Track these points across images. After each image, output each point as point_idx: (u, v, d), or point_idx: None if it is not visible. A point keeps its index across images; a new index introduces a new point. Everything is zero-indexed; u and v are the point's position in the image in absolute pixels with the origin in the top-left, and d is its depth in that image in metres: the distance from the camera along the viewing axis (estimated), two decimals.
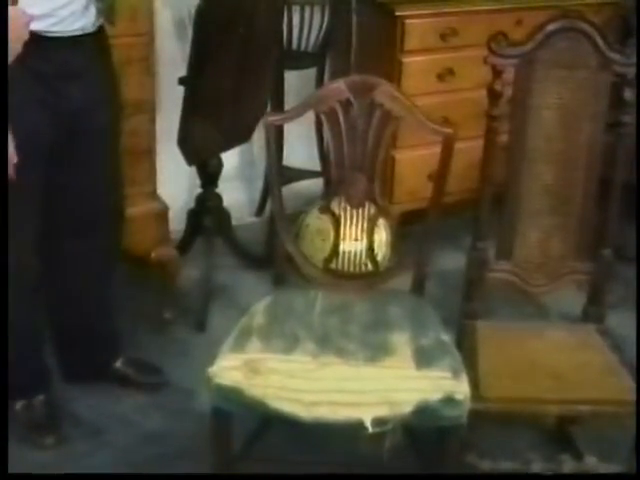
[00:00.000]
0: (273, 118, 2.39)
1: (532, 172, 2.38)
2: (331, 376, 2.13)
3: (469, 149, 2.57)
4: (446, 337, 2.28)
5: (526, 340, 2.40)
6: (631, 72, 2.30)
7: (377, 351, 2.19)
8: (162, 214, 3.15)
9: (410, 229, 2.88)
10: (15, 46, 2.06)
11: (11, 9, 2.08)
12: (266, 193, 3.66)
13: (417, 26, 3.35)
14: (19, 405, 2.61)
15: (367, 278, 2.51)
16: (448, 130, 2.36)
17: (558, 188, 2.40)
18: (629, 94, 2.32)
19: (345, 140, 2.38)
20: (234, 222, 3.47)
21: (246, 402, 2.09)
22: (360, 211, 2.45)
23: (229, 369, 2.12)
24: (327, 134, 2.41)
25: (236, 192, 3.70)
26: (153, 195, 3.13)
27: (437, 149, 2.37)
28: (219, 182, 3.31)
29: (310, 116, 2.54)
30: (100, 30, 2.39)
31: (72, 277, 2.66)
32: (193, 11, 2.78)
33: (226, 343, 2.21)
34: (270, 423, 2.47)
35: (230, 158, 3.43)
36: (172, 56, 3.10)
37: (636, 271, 3.28)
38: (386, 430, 2.07)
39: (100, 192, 2.56)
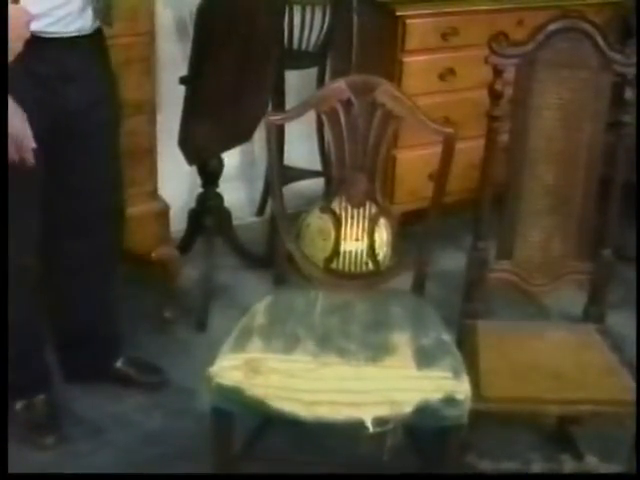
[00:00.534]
0: (274, 118, 2.39)
1: (533, 172, 2.38)
2: (332, 376, 2.13)
3: (470, 149, 2.57)
4: (447, 337, 2.28)
5: (526, 340, 2.40)
6: (631, 72, 2.30)
7: (378, 351, 2.19)
8: (163, 214, 3.16)
9: (411, 229, 2.87)
10: (16, 44, 2.06)
11: (12, 7, 2.08)
12: (267, 193, 3.66)
13: (418, 26, 3.35)
14: (19, 405, 2.61)
15: (368, 278, 2.52)
16: (449, 130, 2.37)
17: (558, 188, 2.40)
18: (630, 94, 2.33)
19: (346, 140, 2.38)
20: (235, 222, 3.48)
21: (247, 402, 2.09)
22: (361, 211, 2.45)
23: (230, 369, 2.12)
24: (328, 134, 2.41)
25: (237, 192, 3.71)
26: (154, 195, 3.14)
27: (438, 149, 2.37)
28: (220, 182, 3.31)
29: (311, 116, 2.54)
30: (97, 32, 2.39)
31: (73, 277, 2.66)
32: (194, 10, 2.79)
33: (227, 343, 2.21)
34: (271, 423, 2.47)
35: (231, 158, 3.43)
36: (172, 56, 3.10)
37: (636, 271, 3.28)
38: (387, 430, 2.08)
39: (100, 192, 2.56)
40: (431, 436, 2.29)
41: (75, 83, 2.35)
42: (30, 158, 2.21)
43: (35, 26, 2.17)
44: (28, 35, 2.11)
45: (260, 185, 3.77)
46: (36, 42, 2.17)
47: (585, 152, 2.37)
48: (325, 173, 3.51)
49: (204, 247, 3.31)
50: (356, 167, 2.41)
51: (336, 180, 2.44)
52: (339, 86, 2.37)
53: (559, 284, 2.47)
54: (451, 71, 3.43)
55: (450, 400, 2.07)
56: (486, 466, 2.23)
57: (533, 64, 2.30)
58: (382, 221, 2.52)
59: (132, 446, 2.60)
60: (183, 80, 2.95)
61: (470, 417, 2.10)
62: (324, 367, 2.14)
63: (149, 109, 2.99)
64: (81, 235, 2.57)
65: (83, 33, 2.33)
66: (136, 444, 2.61)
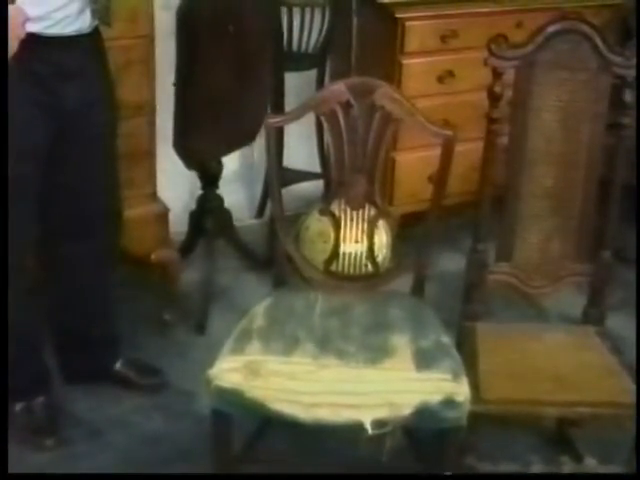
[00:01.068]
0: (273, 120, 2.39)
1: (532, 174, 2.38)
2: (331, 378, 2.13)
3: (469, 151, 2.57)
4: (446, 339, 2.28)
5: (526, 342, 2.40)
6: (631, 74, 2.30)
7: (377, 353, 2.19)
8: (162, 216, 3.16)
9: (410, 231, 2.88)
10: (12, 44, 2.06)
11: (9, 7, 2.09)
12: (266, 195, 3.66)
13: (417, 28, 3.35)
14: (19, 407, 2.61)
15: (367, 280, 2.52)
16: (448, 132, 2.37)
17: (558, 190, 2.40)
18: (629, 96, 2.33)
19: (345, 142, 2.38)
20: (235, 223, 3.47)
21: (246, 404, 2.09)
22: (360, 213, 2.45)
23: (229, 371, 2.12)
24: (327, 136, 2.41)
25: (236, 194, 3.70)
26: (153, 197, 3.14)
27: (437, 151, 2.37)
28: (219, 184, 3.31)
29: (310, 118, 2.54)
30: (95, 31, 2.39)
31: (71, 279, 2.66)
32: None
33: (226, 345, 2.21)
34: (270, 425, 2.47)
35: (230, 160, 3.43)
36: (172, 58, 3.10)
37: (636, 274, 3.28)
38: (386, 432, 2.08)
39: (97, 194, 2.56)
40: (430, 438, 2.29)
41: (73, 82, 2.34)
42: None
43: (33, 28, 2.17)
44: (24, 35, 2.10)
45: (259, 187, 3.77)
46: (34, 42, 2.16)
47: (584, 154, 2.37)
48: (324, 175, 3.51)
49: (204, 249, 3.31)
50: (355, 169, 2.41)
51: (335, 182, 2.44)
52: (338, 88, 2.37)
53: (558, 286, 2.47)
54: (450, 73, 3.43)
55: (449, 402, 2.07)
56: (485, 468, 2.23)
57: (532, 66, 2.30)
58: (381, 223, 2.52)
59: (131, 447, 2.60)
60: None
61: (469, 419, 2.10)
62: (323, 369, 2.14)
63: (148, 111, 2.99)
64: (79, 237, 2.57)
65: (82, 32, 2.33)
66: (135, 446, 2.61)
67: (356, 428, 2.05)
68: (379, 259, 2.54)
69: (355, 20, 3.33)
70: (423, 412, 2.07)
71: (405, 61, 3.37)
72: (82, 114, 2.39)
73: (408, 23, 3.32)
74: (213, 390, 2.11)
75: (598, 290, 2.47)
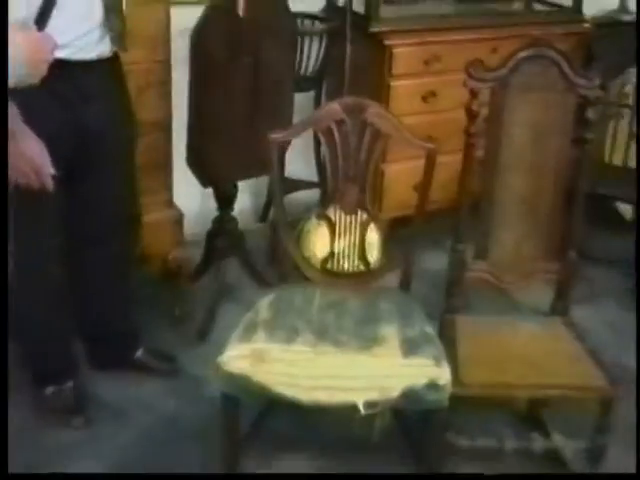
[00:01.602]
0: (276, 136, 2.39)
1: (505, 183, 2.39)
2: (328, 364, 2.14)
3: (450, 162, 2.56)
4: (430, 329, 2.29)
5: (500, 331, 2.41)
6: (593, 94, 2.31)
7: (368, 341, 2.20)
8: (177, 220, 3.16)
9: (398, 233, 2.88)
10: (42, 68, 2.04)
11: (39, 34, 2.08)
12: (269, 202, 3.66)
13: (404, 54, 3.35)
14: (50, 390, 2.60)
15: (360, 277, 2.52)
16: (431, 145, 2.37)
17: (529, 197, 2.40)
18: (591, 113, 2.34)
19: (340, 155, 2.39)
20: (241, 227, 3.46)
21: (252, 388, 2.09)
22: (353, 217, 2.46)
23: (237, 358, 2.12)
24: (324, 149, 2.42)
25: (243, 201, 3.70)
26: (169, 203, 3.13)
27: (421, 163, 2.38)
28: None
29: (309, 133, 2.54)
30: (115, 56, 2.38)
31: (93, 281, 2.65)
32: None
33: (234, 334, 2.22)
34: (273, 406, 2.47)
35: None
36: (187, 80, 3.09)
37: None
38: (376, 412, 2.08)
39: (117, 204, 2.54)
40: (416, 417, 2.30)
41: (95, 102, 2.32)
42: (49, 183, 2.16)
43: (60, 54, 2.15)
44: (52, 60, 2.09)
45: (263, 195, 3.76)
46: (59, 66, 2.15)
47: (552, 165, 2.38)
48: (321, 184, 3.50)
49: (215, 267, 3.17)
50: (349, 179, 2.41)
51: (331, 190, 2.45)
52: (334, 107, 2.37)
53: (529, 281, 2.47)
54: (433, 93, 3.43)
55: (433, 385, 2.08)
56: (464, 443, 2.23)
57: (506, 87, 2.31)
58: (372, 226, 2.52)
59: (151, 426, 2.59)
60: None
61: (450, 400, 2.10)
62: (321, 356, 2.15)
63: (165, 127, 2.99)
64: (100, 243, 2.55)
65: (102, 57, 2.32)
66: (154, 424, 2.60)
67: (350, 409, 2.06)
68: (370, 258, 2.54)
69: (349, 47, 3.32)
70: (409, 394, 2.08)
71: (393, 83, 3.37)
72: (103, 132, 2.37)
73: (395, 49, 3.32)
74: (223, 375, 2.11)
75: (564, 285, 2.47)
